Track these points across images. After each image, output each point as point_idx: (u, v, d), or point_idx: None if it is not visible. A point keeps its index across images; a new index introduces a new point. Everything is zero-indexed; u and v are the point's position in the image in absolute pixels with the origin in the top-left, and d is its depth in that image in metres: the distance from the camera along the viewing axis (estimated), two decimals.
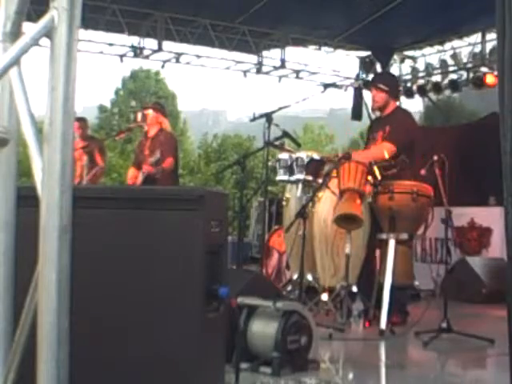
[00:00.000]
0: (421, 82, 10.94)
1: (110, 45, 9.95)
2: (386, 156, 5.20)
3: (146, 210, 2.61)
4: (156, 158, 6.79)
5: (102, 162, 8.39)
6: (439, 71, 10.63)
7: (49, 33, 1.52)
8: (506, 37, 2.54)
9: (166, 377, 2.51)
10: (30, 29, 1.55)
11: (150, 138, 7.14)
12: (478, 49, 9.99)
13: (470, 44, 10.19)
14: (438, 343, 4.45)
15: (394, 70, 11.35)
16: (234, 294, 3.49)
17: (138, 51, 9.95)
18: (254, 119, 5.81)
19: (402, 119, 5.63)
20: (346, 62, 12.08)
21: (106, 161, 8.94)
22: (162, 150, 6.85)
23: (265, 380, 3.37)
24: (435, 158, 4.91)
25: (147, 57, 10.22)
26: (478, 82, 10.01)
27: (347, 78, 11.71)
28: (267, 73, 11.11)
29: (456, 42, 10.39)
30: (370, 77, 11.36)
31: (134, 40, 9.88)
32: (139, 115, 7.45)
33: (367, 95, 11.33)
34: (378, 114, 5.95)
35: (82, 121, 8.29)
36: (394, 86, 5.96)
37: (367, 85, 8.57)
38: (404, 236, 5.18)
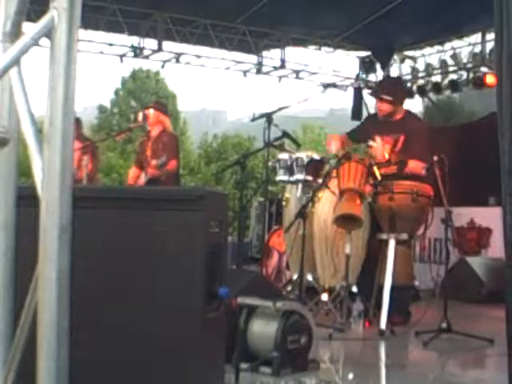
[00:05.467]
0: (421, 82, 10.94)
1: (110, 45, 9.96)
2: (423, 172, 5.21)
3: (146, 210, 2.61)
4: (162, 162, 6.76)
5: (91, 166, 8.00)
6: (439, 71, 10.63)
7: (49, 33, 1.52)
8: (503, 37, 2.55)
9: (166, 377, 2.51)
10: (29, 29, 1.54)
11: (152, 138, 7.13)
12: (477, 49, 9.99)
13: (470, 44, 10.19)
14: (437, 343, 4.45)
15: (394, 70, 11.37)
16: (234, 294, 3.49)
17: (138, 51, 9.96)
18: (254, 119, 5.82)
19: (422, 135, 5.54)
20: (346, 62, 12.08)
21: (97, 166, 8.46)
22: (167, 153, 6.84)
23: (265, 380, 3.37)
24: (435, 158, 4.91)
25: (147, 57, 10.23)
26: (478, 82, 10.01)
27: (347, 78, 11.71)
28: (267, 73, 11.11)
29: (456, 42, 10.39)
30: (370, 77, 11.38)
31: (134, 40, 9.89)
32: (140, 115, 7.43)
33: (367, 95, 11.34)
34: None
35: (76, 121, 8.05)
36: (398, 93, 5.81)
37: (371, 94, 8.43)
38: (404, 236, 5.18)
